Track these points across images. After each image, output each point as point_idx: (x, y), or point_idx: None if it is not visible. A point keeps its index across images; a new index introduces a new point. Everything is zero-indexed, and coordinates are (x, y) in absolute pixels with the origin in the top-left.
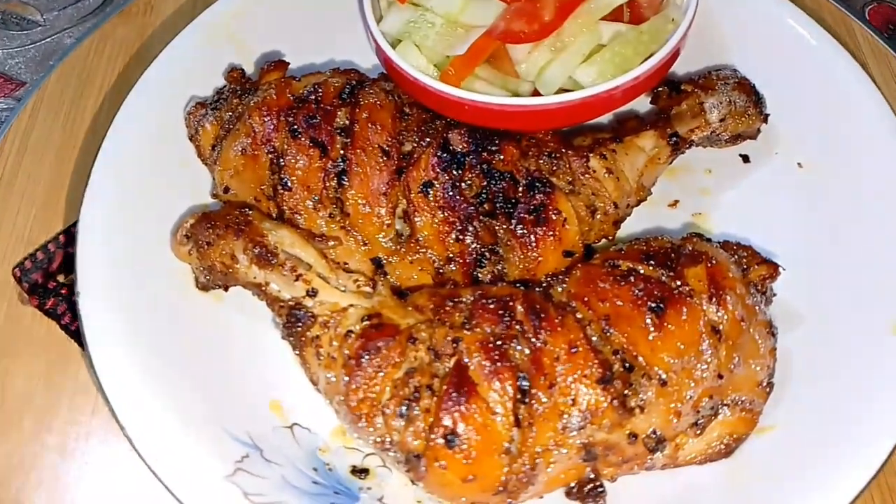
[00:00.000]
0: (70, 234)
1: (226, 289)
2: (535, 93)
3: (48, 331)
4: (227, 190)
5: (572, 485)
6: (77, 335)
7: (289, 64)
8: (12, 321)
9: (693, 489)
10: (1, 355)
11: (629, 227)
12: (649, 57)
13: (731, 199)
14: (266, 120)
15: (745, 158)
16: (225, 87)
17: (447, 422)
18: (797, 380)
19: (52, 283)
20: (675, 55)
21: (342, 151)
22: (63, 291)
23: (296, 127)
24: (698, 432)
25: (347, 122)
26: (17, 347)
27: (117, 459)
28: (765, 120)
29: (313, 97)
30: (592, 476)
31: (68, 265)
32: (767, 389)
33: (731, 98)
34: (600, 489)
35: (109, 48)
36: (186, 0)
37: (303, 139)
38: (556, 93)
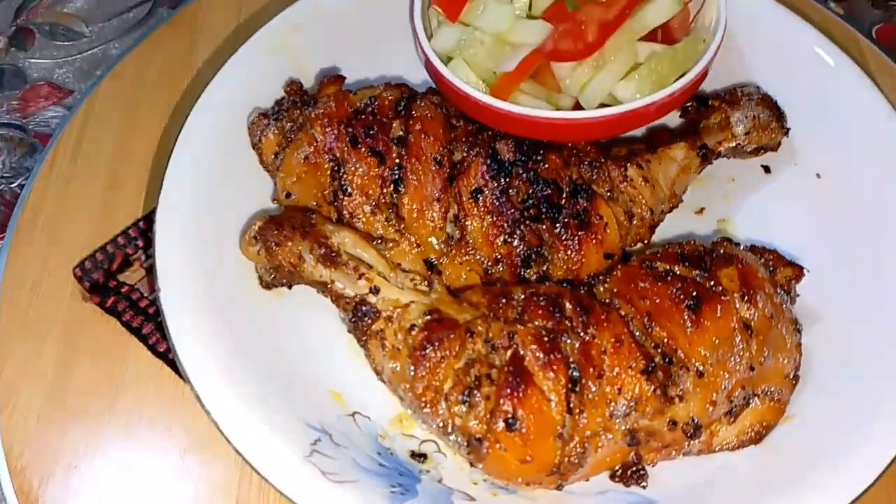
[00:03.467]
0: (127, 235)
1: (289, 287)
2: (576, 106)
3: (108, 327)
4: (288, 195)
5: (616, 468)
6: (136, 330)
7: (345, 78)
8: (75, 317)
9: (726, 473)
10: (66, 349)
11: (661, 232)
12: (682, 75)
13: (754, 206)
14: (327, 130)
15: (767, 169)
16: (284, 98)
17: (507, 407)
18: (817, 374)
19: (112, 282)
20: (704, 73)
21: (398, 160)
22: (123, 290)
23: (355, 137)
24: (732, 420)
25: (402, 132)
26: (81, 341)
27: (177, 442)
28: (786, 133)
29: (370, 109)
30: (636, 460)
31: (126, 264)
32: (794, 381)
33: (756, 113)
34: (642, 472)
35: (158, 58)
36: (230, 12)
37: (362, 148)
38: (598, 107)
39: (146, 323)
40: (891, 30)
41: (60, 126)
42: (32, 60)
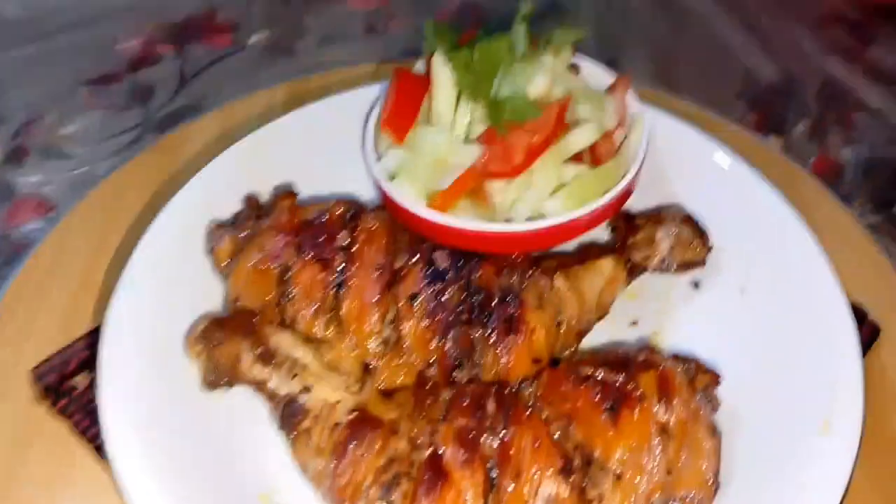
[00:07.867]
0: (87, 339)
1: (231, 386)
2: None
3: (60, 428)
4: (237, 299)
5: None
6: (85, 433)
7: (298, 193)
8: (27, 418)
9: None
10: (15, 448)
11: (592, 342)
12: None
13: (684, 320)
14: (277, 238)
15: (696, 284)
16: (242, 211)
17: None
18: (740, 478)
19: (65, 385)
20: (627, 193)
21: (341, 266)
22: (74, 393)
23: (302, 245)
24: None
25: (347, 242)
26: (31, 441)
27: None
28: (709, 250)
29: (319, 220)
30: None
31: (81, 368)
32: (714, 487)
33: (679, 230)
34: None
35: (139, 177)
36: (211, 137)
37: (307, 255)
38: (526, 221)
39: (94, 426)
40: (826, 161)
41: (39, 237)
42: (22, 178)
